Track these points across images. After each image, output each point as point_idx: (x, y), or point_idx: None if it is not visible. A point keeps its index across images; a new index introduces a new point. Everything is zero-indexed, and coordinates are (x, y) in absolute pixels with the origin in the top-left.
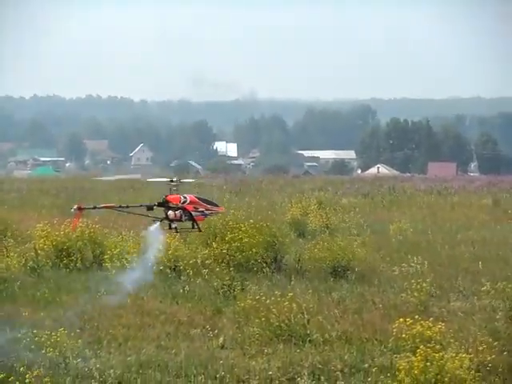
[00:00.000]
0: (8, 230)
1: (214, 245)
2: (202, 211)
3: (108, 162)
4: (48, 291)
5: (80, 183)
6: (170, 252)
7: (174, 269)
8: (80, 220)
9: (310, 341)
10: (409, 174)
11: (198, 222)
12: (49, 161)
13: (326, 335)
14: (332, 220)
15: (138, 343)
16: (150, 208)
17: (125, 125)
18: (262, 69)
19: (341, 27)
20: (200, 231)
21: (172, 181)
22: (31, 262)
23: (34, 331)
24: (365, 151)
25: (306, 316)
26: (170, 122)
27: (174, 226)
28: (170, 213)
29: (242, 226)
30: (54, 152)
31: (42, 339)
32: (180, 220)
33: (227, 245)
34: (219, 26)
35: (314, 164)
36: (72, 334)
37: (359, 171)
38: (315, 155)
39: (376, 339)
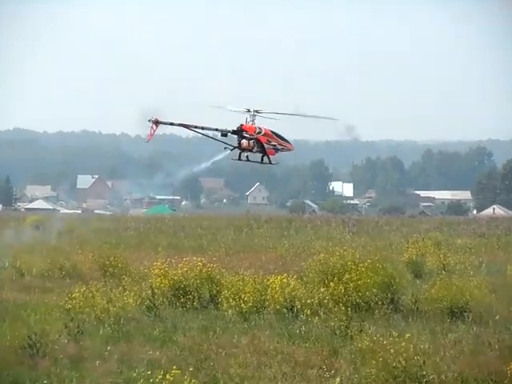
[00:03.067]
0: (125, 268)
1: (332, 285)
2: (275, 145)
3: (224, 201)
4: (164, 330)
5: (196, 221)
6: (286, 291)
7: (291, 309)
8: (155, 133)
9: (426, 382)
10: None
11: (269, 155)
12: (164, 199)
13: (442, 376)
14: (448, 261)
15: (255, 383)
16: (224, 134)
17: (241, 164)
18: (379, 109)
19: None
20: (271, 163)
21: (249, 110)
22: (148, 301)
23: (149, 372)
24: (481, 192)
25: (422, 357)
26: (287, 160)
27: (245, 155)
28: (244, 141)
29: (360, 266)
30: (169, 190)
31: (157, 379)
32: (251, 150)
33: (344, 285)
34: (320, 54)
35: (430, 204)
36: (188, 374)
37: (475, 212)
38: (431, 195)
39: (491, 379)
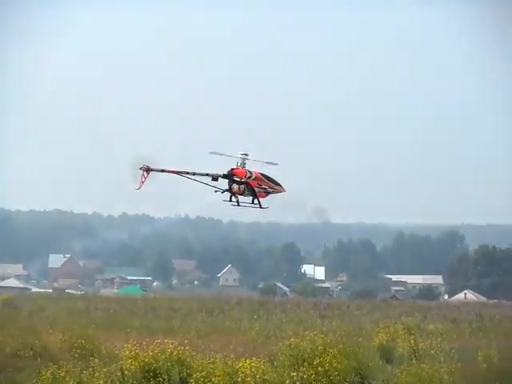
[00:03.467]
0: (95, 350)
1: (302, 369)
2: (265, 188)
3: (195, 283)
4: None
5: (168, 303)
6: (257, 376)
7: None
8: (145, 181)
9: None
10: (496, 301)
11: (260, 198)
12: (136, 280)
13: None
14: (419, 346)
15: None
16: (215, 178)
17: (213, 245)
18: (352, 193)
19: (431, 155)
20: (261, 207)
21: (243, 154)
22: (118, 383)
23: None
24: (452, 277)
25: None
26: (259, 243)
27: (235, 199)
28: (234, 186)
29: (331, 350)
30: (141, 271)
31: None
32: (242, 194)
33: (315, 369)
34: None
35: (401, 288)
36: None
37: (446, 297)
38: (403, 280)
39: None
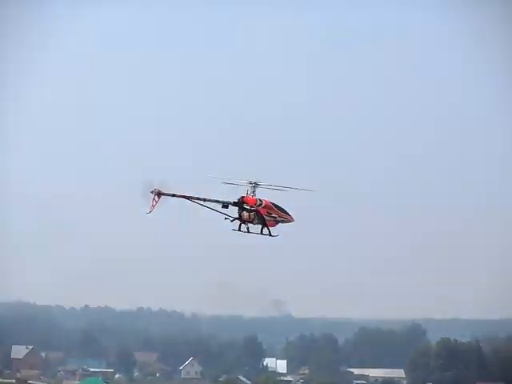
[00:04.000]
0: None
1: None
2: (275, 217)
3: (157, 375)
4: None
5: None
6: None
7: None
8: (156, 205)
9: None
10: None
11: (270, 227)
12: (98, 371)
13: None
14: None
15: None
16: (225, 205)
17: (175, 338)
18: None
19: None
20: (271, 235)
21: (251, 182)
22: None
23: None
24: (414, 370)
25: None
26: (220, 335)
27: (246, 226)
28: (244, 213)
29: None
30: (103, 363)
31: None
32: (251, 222)
33: None
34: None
35: (364, 382)
36: None
37: None
38: (365, 373)
39: None
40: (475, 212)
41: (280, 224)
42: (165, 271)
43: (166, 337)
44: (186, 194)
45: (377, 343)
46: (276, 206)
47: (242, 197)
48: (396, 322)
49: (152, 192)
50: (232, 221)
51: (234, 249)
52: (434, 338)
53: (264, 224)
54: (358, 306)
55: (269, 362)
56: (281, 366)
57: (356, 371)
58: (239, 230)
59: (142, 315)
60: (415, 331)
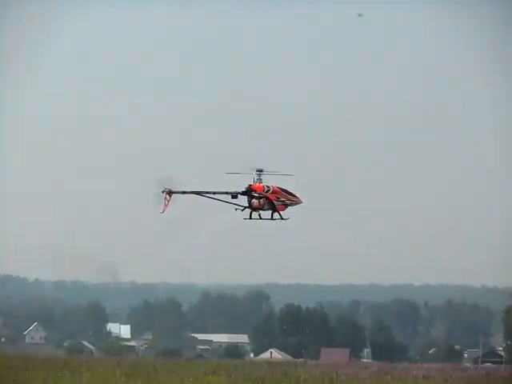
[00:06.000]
0: None
1: None
2: (284, 201)
3: (2, 340)
4: None
5: None
6: None
7: None
8: (168, 204)
9: None
10: (301, 359)
11: (280, 211)
12: None
13: None
14: None
15: None
16: (234, 196)
17: (19, 303)
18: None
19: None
20: (282, 219)
21: (257, 170)
22: None
23: None
24: (258, 335)
25: None
26: (65, 301)
27: (257, 213)
28: (254, 201)
29: None
30: None
31: None
32: (262, 208)
33: None
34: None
35: (207, 347)
36: None
37: (252, 355)
38: (208, 338)
39: None
40: None
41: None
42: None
43: (10, 302)
44: (196, 190)
45: (220, 308)
46: (283, 190)
47: (250, 185)
48: (240, 287)
49: (163, 191)
50: (242, 210)
51: (71, 212)
52: (278, 303)
53: (274, 209)
54: (201, 271)
55: (112, 327)
56: (125, 331)
57: (200, 336)
58: (250, 218)
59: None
60: (259, 296)
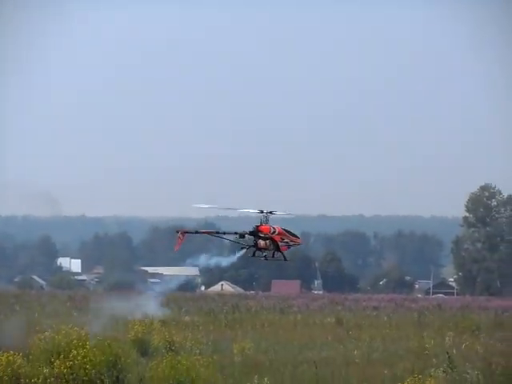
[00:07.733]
0: None
1: (57, 363)
2: (287, 242)
3: None
4: None
5: None
6: (9, 369)
7: None
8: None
9: None
10: (253, 292)
11: (283, 251)
12: None
13: None
14: (175, 338)
15: None
16: (242, 236)
17: None
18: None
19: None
20: (285, 260)
21: (262, 211)
22: None
23: None
24: (210, 269)
25: None
26: (14, 236)
27: (263, 254)
28: (260, 242)
29: (87, 344)
30: None
31: None
32: (267, 249)
33: (70, 363)
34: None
35: (158, 280)
36: None
37: (203, 288)
38: (159, 271)
39: None
40: None
41: None
42: None
43: None
44: (207, 230)
45: (170, 242)
46: (287, 231)
47: (257, 226)
48: (189, 220)
49: (177, 232)
50: (248, 248)
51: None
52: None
53: (277, 249)
54: (150, 205)
55: (63, 261)
56: (75, 265)
57: (150, 269)
58: (254, 255)
59: None
60: (213, 226)
